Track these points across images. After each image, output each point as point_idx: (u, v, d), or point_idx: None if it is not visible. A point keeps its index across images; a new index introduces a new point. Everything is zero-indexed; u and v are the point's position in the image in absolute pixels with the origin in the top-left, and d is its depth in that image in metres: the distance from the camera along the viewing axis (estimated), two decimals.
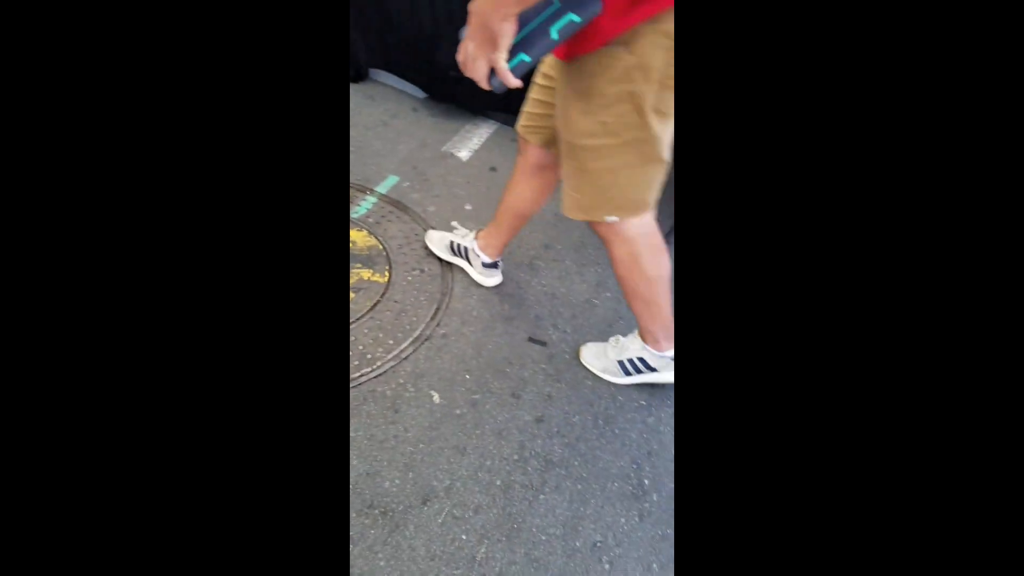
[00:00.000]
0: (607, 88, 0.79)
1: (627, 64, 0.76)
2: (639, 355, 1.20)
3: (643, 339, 1.19)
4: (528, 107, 1.10)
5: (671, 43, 0.73)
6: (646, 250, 1.02)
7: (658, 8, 0.71)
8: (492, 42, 0.68)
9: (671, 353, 1.19)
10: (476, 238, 1.38)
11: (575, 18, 0.67)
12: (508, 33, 0.67)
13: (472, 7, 0.68)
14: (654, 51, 0.74)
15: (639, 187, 0.93)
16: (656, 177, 0.92)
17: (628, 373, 1.24)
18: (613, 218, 0.97)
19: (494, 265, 1.40)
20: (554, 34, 0.68)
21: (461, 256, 1.41)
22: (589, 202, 0.97)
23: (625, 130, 0.83)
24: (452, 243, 1.42)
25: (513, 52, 0.68)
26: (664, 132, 0.84)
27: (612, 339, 1.27)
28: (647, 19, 0.72)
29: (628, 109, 0.81)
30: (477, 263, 1.39)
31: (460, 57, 0.73)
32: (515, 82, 0.71)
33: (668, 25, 0.72)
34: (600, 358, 1.28)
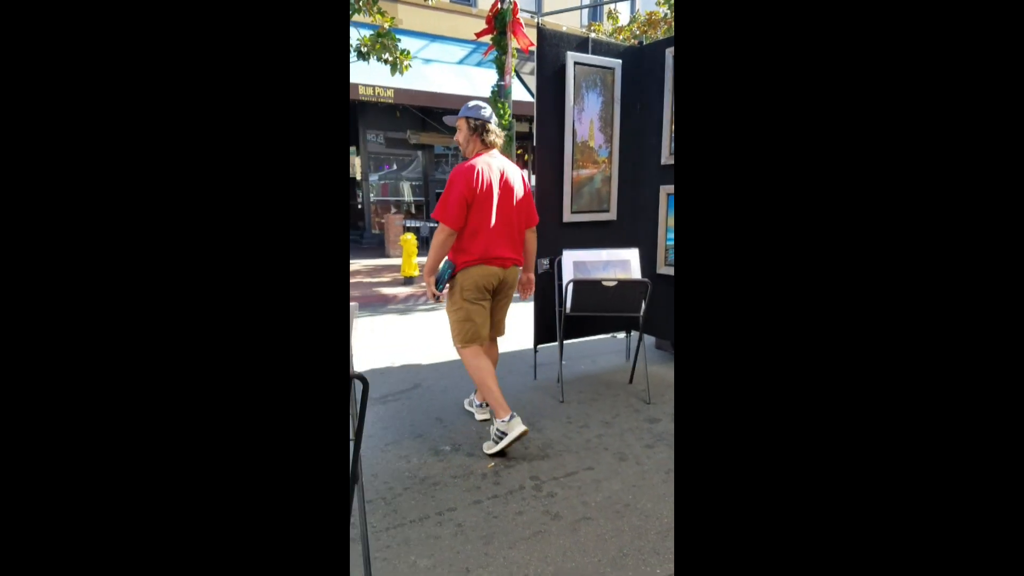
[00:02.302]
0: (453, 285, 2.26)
1: (458, 279, 2.23)
2: (496, 427, 2.19)
3: (494, 415, 2.24)
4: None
5: (482, 277, 2.22)
6: (474, 359, 2.26)
7: (467, 263, 2.19)
8: (431, 285, 2.24)
9: (508, 416, 2.16)
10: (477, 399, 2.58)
11: (449, 269, 2.23)
12: (432, 281, 2.24)
13: (424, 277, 2.29)
14: (465, 278, 2.21)
15: (466, 334, 2.25)
16: (473, 330, 2.25)
17: (496, 442, 2.18)
18: (458, 345, 2.29)
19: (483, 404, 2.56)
20: (445, 275, 2.23)
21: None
22: (453, 336, 2.30)
23: (455, 304, 2.26)
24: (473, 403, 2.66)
25: (437, 285, 2.24)
26: (472, 311, 2.24)
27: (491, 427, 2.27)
28: (466, 266, 2.20)
29: (457, 294, 2.24)
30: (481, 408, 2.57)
31: (428, 292, 2.29)
32: (441, 294, 2.26)
33: (483, 269, 2.21)
34: (485, 441, 2.28)
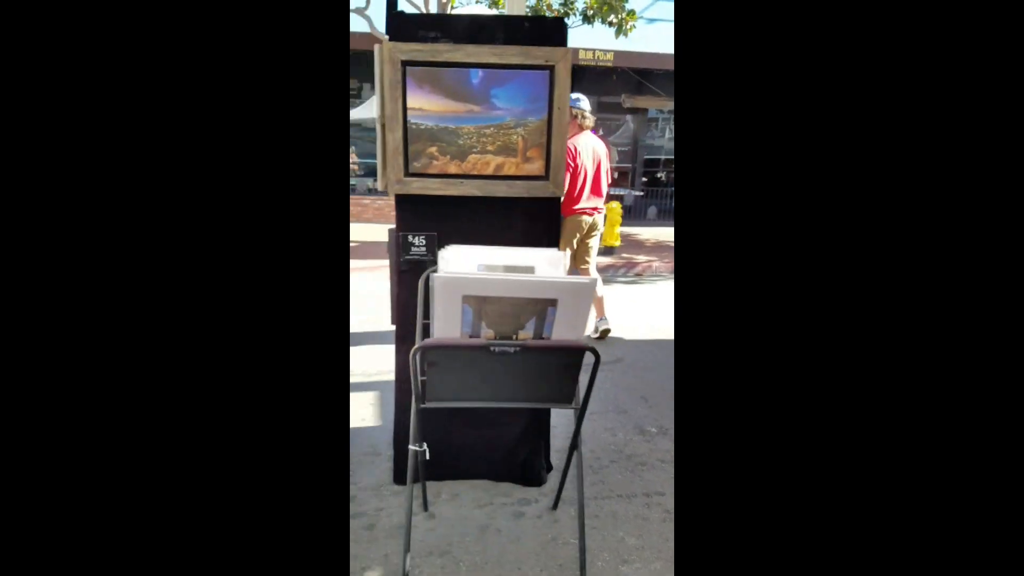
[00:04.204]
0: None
1: (564, 223, 3.20)
2: (595, 324, 3.47)
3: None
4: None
5: (578, 223, 3.21)
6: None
7: (569, 214, 3.18)
8: None
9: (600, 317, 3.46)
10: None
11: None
12: None
13: None
14: (567, 224, 3.20)
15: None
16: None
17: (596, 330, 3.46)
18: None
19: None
20: None
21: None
22: None
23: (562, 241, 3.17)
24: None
25: None
26: (566, 245, 3.21)
27: None
28: (569, 215, 3.19)
29: (563, 234, 3.19)
30: None
31: None
32: None
33: (578, 218, 3.19)
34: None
